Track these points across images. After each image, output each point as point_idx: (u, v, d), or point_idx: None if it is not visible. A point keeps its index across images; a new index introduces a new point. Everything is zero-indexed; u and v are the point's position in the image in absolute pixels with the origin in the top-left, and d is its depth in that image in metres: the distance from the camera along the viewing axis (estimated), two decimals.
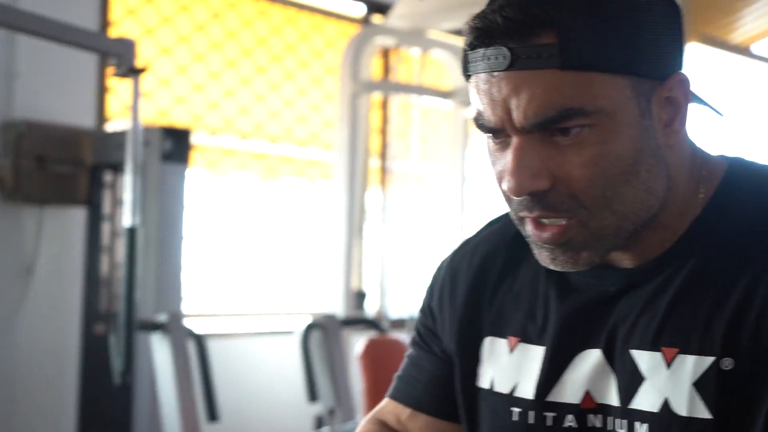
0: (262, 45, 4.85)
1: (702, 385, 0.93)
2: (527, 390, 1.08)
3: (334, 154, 4.05)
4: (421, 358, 1.25)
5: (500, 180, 0.93)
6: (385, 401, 1.28)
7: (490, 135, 0.93)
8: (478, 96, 0.91)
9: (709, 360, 0.93)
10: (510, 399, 1.10)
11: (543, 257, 0.98)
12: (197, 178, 4.20)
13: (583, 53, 0.88)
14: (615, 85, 0.90)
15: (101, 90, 4.01)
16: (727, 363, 0.91)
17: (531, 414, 1.07)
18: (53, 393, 3.86)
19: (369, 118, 4.42)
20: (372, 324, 4.15)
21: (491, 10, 0.88)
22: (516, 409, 1.09)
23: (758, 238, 0.95)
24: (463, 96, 4.08)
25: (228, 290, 4.85)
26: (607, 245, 0.96)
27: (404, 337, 3.93)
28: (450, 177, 4.61)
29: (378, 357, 3.70)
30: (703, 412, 0.92)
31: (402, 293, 4.73)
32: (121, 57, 2.72)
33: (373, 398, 3.44)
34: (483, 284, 1.18)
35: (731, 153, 1.07)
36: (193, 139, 3.67)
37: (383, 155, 4.79)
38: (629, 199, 0.94)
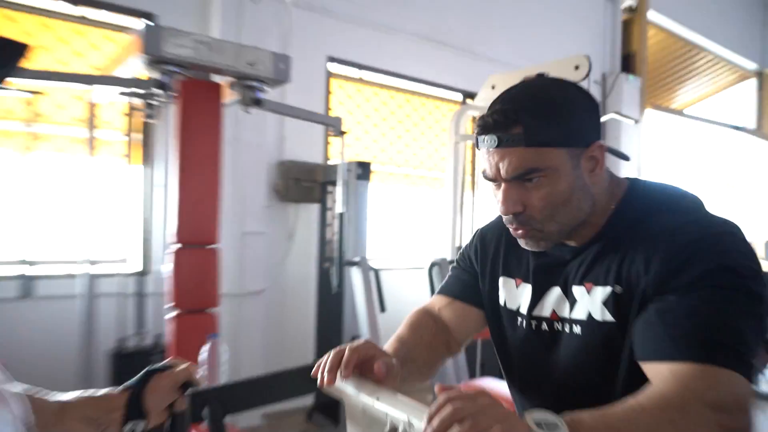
0: (407, 119, 4.68)
1: (606, 302, 0.97)
2: (524, 308, 1.11)
3: (446, 174, 3.93)
4: (459, 274, 1.26)
5: (498, 206, 1.00)
6: (432, 297, 1.29)
7: (490, 182, 1.00)
8: (483, 161, 0.97)
9: (609, 288, 0.97)
10: (516, 313, 1.12)
11: (521, 243, 1.04)
12: (375, 189, 4.04)
13: (537, 137, 0.92)
14: (557, 154, 0.93)
15: (325, 143, 4.09)
16: (618, 289, 0.95)
17: (525, 322, 1.10)
18: (301, 300, 3.91)
19: (465, 155, 4.20)
20: None
21: (488, 114, 0.95)
22: (519, 319, 1.12)
23: (638, 227, 0.97)
24: None
25: (390, 244, 4.68)
26: (555, 238, 1.01)
27: None
28: None
29: None
30: (609, 318, 0.96)
31: None
32: (335, 126, 2.86)
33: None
34: (498, 247, 1.19)
35: (634, 175, 1.07)
36: (372, 167, 3.63)
37: (473, 173, 4.61)
38: (566, 215, 0.98)
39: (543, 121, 0.92)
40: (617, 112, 4.97)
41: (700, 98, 6.65)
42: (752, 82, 7.85)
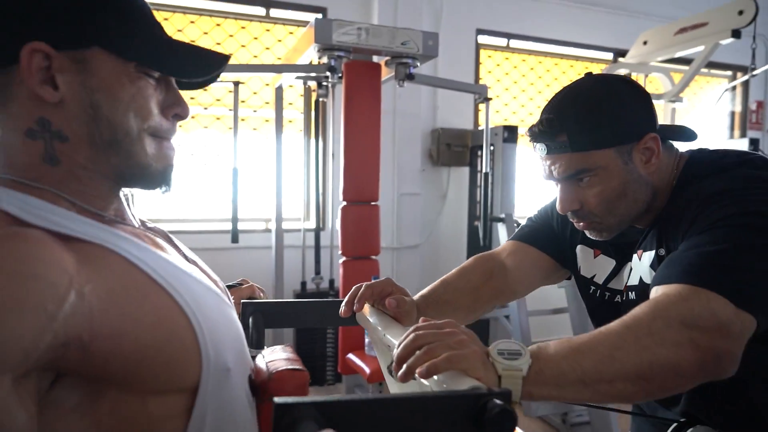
0: (555, 82, 4.71)
1: (653, 265, 0.98)
2: (599, 279, 1.11)
3: None
4: (535, 225, 1.23)
5: (557, 204, 1.04)
6: (503, 243, 1.26)
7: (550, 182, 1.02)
8: (539, 163, 1.02)
9: (653, 252, 0.98)
10: (590, 281, 1.13)
11: (587, 234, 1.07)
12: (523, 151, 3.92)
13: (582, 143, 0.94)
14: (604, 154, 0.94)
15: (475, 110, 4.27)
16: (662, 252, 0.96)
17: (599, 292, 1.11)
18: (453, 254, 4.07)
19: None
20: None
21: (536, 124, 0.99)
22: (593, 287, 1.12)
23: (685, 193, 0.95)
24: (670, 96, 3.79)
25: (537, 202, 4.92)
26: (617, 229, 1.02)
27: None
28: None
29: None
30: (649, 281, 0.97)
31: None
32: (481, 93, 2.97)
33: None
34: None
35: (696, 146, 1.06)
36: (520, 131, 3.71)
37: None
38: (624, 208, 0.98)
39: (586, 125, 0.93)
40: None
41: None
42: None
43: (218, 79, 2.13)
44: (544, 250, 1.18)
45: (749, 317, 0.75)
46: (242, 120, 3.84)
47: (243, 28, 3.86)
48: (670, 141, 1.03)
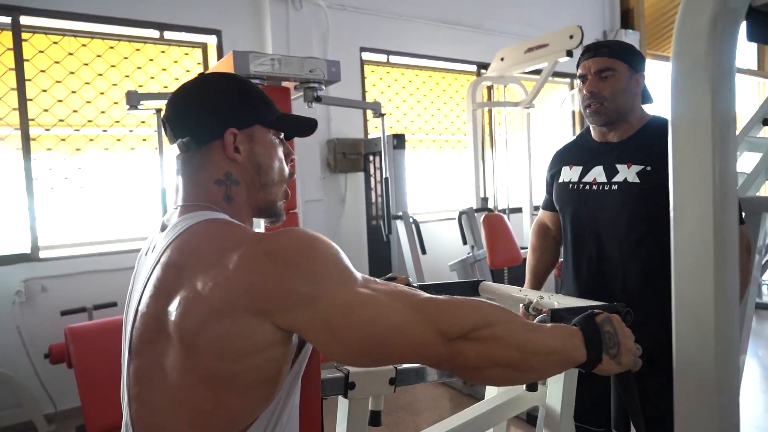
0: (430, 92, 5.17)
1: (639, 173, 1.52)
2: (575, 179, 1.66)
3: (468, 136, 4.38)
4: (548, 197, 1.84)
5: (583, 92, 1.59)
6: (540, 213, 1.90)
7: (582, 79, 1.61)
8: (581, 68, 1.60)
9: (642, 166, 1.52)
10: (569, 183, 1.69)
11: (589, 118, 1.60)
12: (408, 155, 4.23)
13: (617, 54, 1.56)
14: (623, 67, 1.56)
15: (364, 121, 4.67)
16: (649, 168, 1.50)
17: (575, 186, 1.66)
18: (356, 251, 4.42)
19: (482, 119, 4.88)
20: (489, 210, 4.29)
21: (593, 44, 1.63)
22: (571, 186, 1.68)
23: (655, 132, 1.52)
24: (525, 104, 4.32)
25: (426, 200, 5.01)
26: (610, 115, 1.56)
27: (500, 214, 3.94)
28: (520, 143, 4.57)
29: (491, 222, 3.74)
30: (637, 181, 1.51)
31: (501, 197, 4.73)
32: (376, 110, 3.17)
33: (490, 239, 3.68)
34: (564, 152, 1.77)
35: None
36: (405, 137, 4.09)
37: (491, 133, 4.81)
38: (619, 102, 1.56)
39: (621, 49, 1.59)
40: None
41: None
42: None
43: (140, 107, 2.32)
44: (554, 210, 1.81)
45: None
46: (143, 140, 3.96)
47: (137, 50, 3.96)
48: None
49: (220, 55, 4.06)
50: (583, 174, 1.66)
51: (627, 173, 1.56)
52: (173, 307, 0.78)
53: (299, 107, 3.90)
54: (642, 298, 1.53)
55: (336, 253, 0.82)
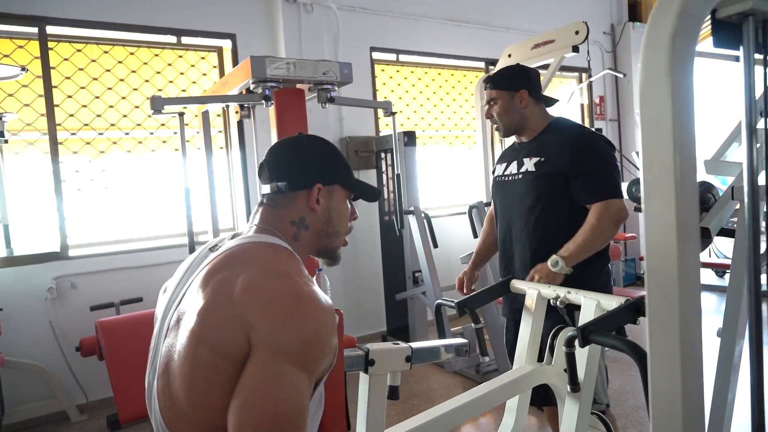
0: (440, 90, 5.29)
1: (536, 164, 1.93)
2: (499, 173, 2.10)
3: (477, 132, 4.35)
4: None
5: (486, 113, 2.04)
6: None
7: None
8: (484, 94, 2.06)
9: (537, 157, 1.94)
10: (499, 176, 2.10)
11: (497, 131, 2.06)
12: (420, 151, 4.31)
13: (497, 86, 2.01)
14: (503, 94, 1.99)
15: (375, 118, 4.80)
16: (542, 159, 1.92)
17: (500, 179, 2.07)
18: (369, 244, 4.62)
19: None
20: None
21: (486, 79, 2.08)
22: (498, 178, 2.09)
23: (561, 132, 1.95)
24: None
25: (437, 195, 5.18)
26: (509, 131, 2.02)
27: None
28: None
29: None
30: (533, 169, 1.93)
31: None
32: (387, 108, 3.33)
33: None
34: (500, 156, 2.20)
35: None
36: (416, 133, 4.20)
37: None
38: (511, 118, 2.00)
39: (500, 80, 2.02)
40: (611, 69, 5.53)
41: (706, 36, 6.95)
42: None
43: (163, 111, 2.49)
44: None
45: (621, 200, 1.87)
46: (163, 142, 4.11)
47: (156, 55, 4.11)
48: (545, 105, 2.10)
49: (235, 58, 4.20)
50: (504, 169, 2.08)
51: (528, 164, 1.96)
52: (200, 307, 0.91)
53: (313, 108, 4.09)
54: (535, 264, 1.93)
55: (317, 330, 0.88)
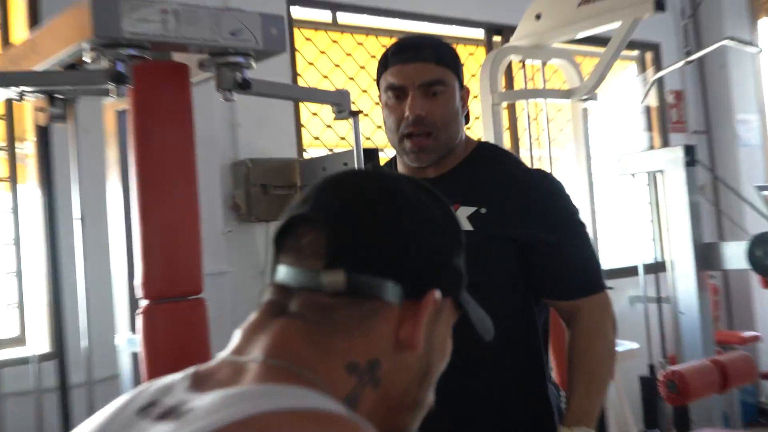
0: None
1: (471, 218, 1.91)
2: None
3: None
4: None
5: (403, 113, 1.93)
6: None
7: (395, 92, 1.98)
8: (394, 74, 1.95)
9: (474, 208, 1.91)
10: None
11: (408, 157, 1.99)
12: None
13: (444, 59, 1.95)
14: (454, 80, 1.96)
15: (297, 127, 4.63)
16: (483, 210, 1.91)
17: None
18: None
19: (502, 119, 4.63)
20: None
21: (403, 39, 2.09)
22: None
23: (496, 166, 2.01)
24: (581, 93, 4.40)
25: None
26: (439, 151, 1.97)
27: None
28: (575, 157, 4.70)
29: None
30: (470, 228, 1.89)
31: None
32: (341, 104, 3.17)
33: None
34: None
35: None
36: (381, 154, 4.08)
37: (515, 135, 5.37)
38: (452, 130, 1.97)
39: (449, 54, 1.99)
40: (730, 38, 5.50)
41: None
42: None
43: None
44: None
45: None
46: None
47: None
48: None
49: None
50: None
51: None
52: None
53: (207, 101, 3.70)
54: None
55: None
